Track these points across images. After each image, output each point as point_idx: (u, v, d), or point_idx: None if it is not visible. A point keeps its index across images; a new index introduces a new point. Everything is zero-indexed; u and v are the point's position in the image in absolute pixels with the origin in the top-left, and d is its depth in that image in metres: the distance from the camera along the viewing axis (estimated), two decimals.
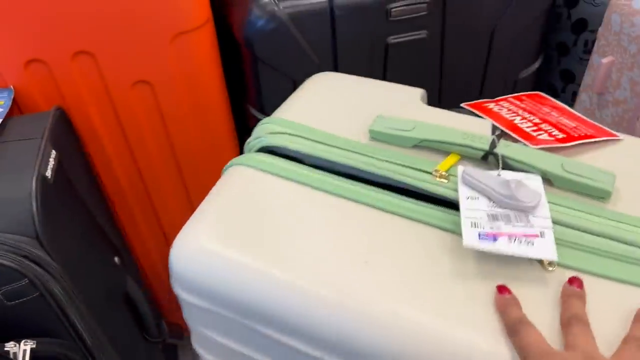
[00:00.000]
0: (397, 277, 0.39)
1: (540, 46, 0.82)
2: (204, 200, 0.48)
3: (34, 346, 0.58)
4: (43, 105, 0.69)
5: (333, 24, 0.68)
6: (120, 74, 0.70)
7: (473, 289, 0.38)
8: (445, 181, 0.45)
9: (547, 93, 0.66)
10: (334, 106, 0.56)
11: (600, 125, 0.51)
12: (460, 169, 0.45)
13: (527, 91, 0.85)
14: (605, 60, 0.70)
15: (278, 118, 0.55)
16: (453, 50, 0.76)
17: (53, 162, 0.59)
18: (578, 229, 0.41)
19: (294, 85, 0.61)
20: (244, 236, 0.44)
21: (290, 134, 0.52)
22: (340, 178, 0.48)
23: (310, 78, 0.62)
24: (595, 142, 0.48)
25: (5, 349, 0.55)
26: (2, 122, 0.61)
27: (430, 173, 0.46)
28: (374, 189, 0.46)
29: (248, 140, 0.54)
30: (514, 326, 0.35)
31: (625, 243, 0.40)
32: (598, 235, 0.41)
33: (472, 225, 0.40)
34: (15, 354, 0.57)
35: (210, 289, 0.44)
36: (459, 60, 0.78)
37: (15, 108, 0.68)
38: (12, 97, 0.65)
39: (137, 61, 0.69)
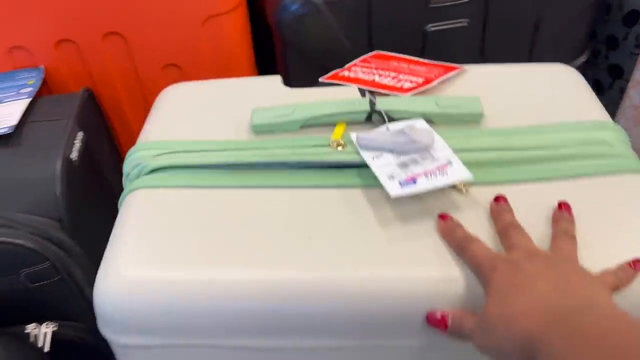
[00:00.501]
0: (342, 241, 0.39)
1: (587, 39, 0.77)
2: (113, 233, 0.43)
3: (55, 329, 0.57)
4: (72, 85, 0.69)
5: (369, 9, 0.66)
6: (150, 56, 0.68)
7: (411, 229, 0.40)
8: (343, 149, 0.45)
9: (593, 89, 0.63)
10: (203, 115, 0.52)
11: (443, 63, 0.55)
12: (353, 135, 0.45)
13: None
14: None
15: (149, 142, 0.49)
16: (495, 40, 0.73)
17: (79, 144, 0.58)
18: (472, 150, 0.44)
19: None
20: (168, 252, 0.40)
21: (170, 152, 0.47)
22: (243, 170, 0.45)
23: (161, 94, 0.56)
24: (448, 77, 0.53)
25: (26, 331, 0.55)
26: (32, 101, 0.61)
27: (328, 145, 0.45)
28: (278, 170, 0.45)
29: (126, 173, 0.48)
30: (462, 244, 0.37)
31: (515, 149, 0.45)
32: (490, 149, 0.45)
33: (389, 178, 0.41)
34: (36, 336, 0.57)
35: (148, 320, 0.39)
36: (501, 52, 0.74)
37: (45, 88, 0.67)
38: (42, 77, 0.65)
39: (168, 44, 0.68)
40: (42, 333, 0.56)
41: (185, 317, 0.38)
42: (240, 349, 0.40)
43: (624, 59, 0.79)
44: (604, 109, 0.50)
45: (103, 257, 0.41)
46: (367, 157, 0.43)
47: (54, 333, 0.57)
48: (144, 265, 0.39)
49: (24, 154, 0.55)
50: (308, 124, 0.48)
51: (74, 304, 0.57)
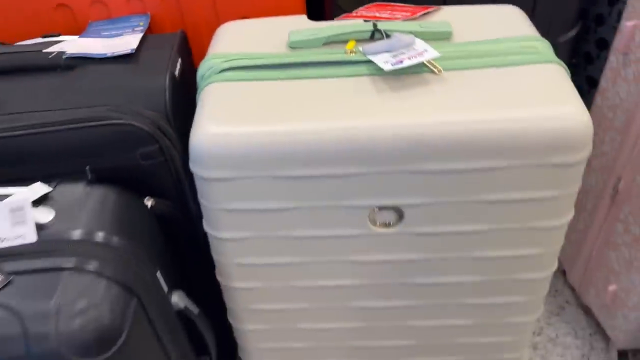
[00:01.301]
0: (363, 101, 0.60)
1: (577, 15, 0.95)
2: (197, 112, 0.64)
3: (154, 204, 0.76)
4: (169, 29, 0.89)
5: None
6: (231, 10, 0.88)
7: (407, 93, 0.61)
8: (354, 54, 0.66)
9: (583, 60, 0.80)
10: (254, 39, 0.72)
11: (423, 6, 0.76)
12: (361, 45, 0.66)
13: (566, 55, 0.99)
14: (629, 24, 0.82)
15: (214, 54, 0.71)
16: None
17: (179, 67, 0.78)
18: (442, 52, 0.65)
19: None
20: (242, 113, 0.61)
21: (234, 59, 0.68)
22: (287, 69, 0.66)
23: (221, 27, 0.78)
24: (427, 13, 0.74)
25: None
26: (143, 36, 0.81)
27: (344, 52, 0.66)
28: (311, 67, 0.66)
29: (200, 75, 0.70)
30: None
31: (469, 51, 0.66)
32: (453, 51, 0.66)
33: (385, 62, 0.61)
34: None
35: (236, 156, 0.59)
36: None
37: (148, 30, 0.88)
38: (149, 21, 0.85)
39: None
40: (145, 205, 0.75)
41: (259, 151, 0.58)
42: (301, 178, 0.60)
43: (608, 32, 0.96)
44: (537, 32, 0.71)
45: (192, 124, 0.62)
46: (370, 55, 0.64)
47: (151, 207, 0.76)
48: (222, 121, 0.60)
49: (142, 69, 0.75)
50: (329, 41, 0.69)
51: (170, 184, 0.76)
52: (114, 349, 0.56)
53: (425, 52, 0.62)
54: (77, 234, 0.60)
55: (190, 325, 0.76)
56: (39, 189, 0.65)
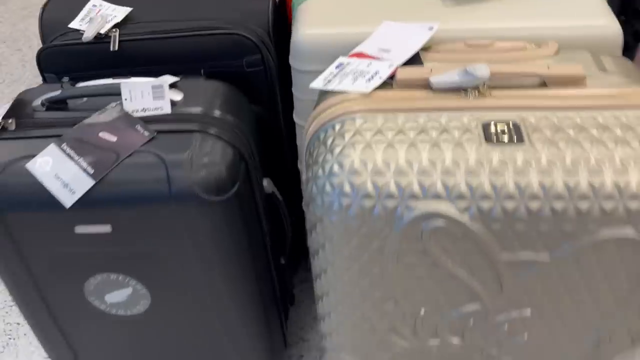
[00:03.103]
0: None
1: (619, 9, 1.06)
2: (297, 20, 0.78)
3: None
4: None
5: None
6: None
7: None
8: None
9: (631, 16, 0.92)
10: None
11: None
12: None
13: (615, 10, 1.09)
14: None
15: None
16: None
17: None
18: None
19: None
20: (339, 16, 0.76)
21: None
22: None
23: None
24: None
25: None
26: None
27: None
28: None
29: None
30: None
31: None
32: None
33: None
34: None
35: (327, 52, 0.72)
36: None
37: None
38: None
39: None
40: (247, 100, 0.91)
41: (345, 48, 0.72)
42: None
43: None
44: None
45: (292, 30, 0.76)
46: None
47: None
48: (316, 24, 0.77)
49: None
50: None
51: (266, 91, 0.91)
52: (231, 193, 0.72)
53: None
54: (199, 110, 0.76)
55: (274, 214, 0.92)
56: (169, 79, 0.81)
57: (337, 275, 0.62)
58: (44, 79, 0.90)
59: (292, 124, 0.90)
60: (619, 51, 0.72)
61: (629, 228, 0.52)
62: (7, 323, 1.22)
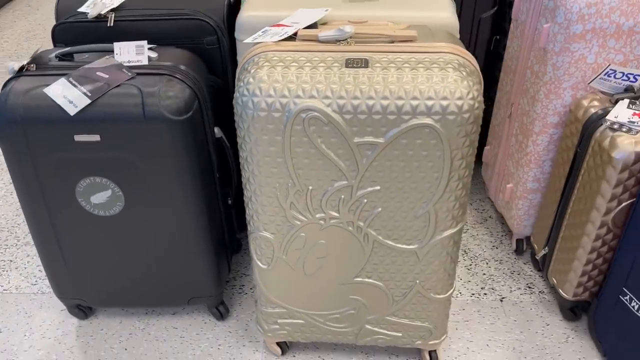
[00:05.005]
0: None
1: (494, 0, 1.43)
2: (242, 8, 1.14)
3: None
4: None
5: None
6: None
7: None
8: None
9: (499, 33, 1.28)
10: None
11: None
12: None
13: (488, 28, 1.47)
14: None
15: None
16: None
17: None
18: None
19: None
20: (266, 6, 1.09)
21: None
22: None
23: None
24: None
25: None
26: None
27: None
28: None
29: None
30: None
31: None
32: None
33: None
34: None
35: (257, 27, 1.06)
36: None
37: None
38: None
39: None
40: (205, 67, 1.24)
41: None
42: None
43: None
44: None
45: (238, 15, 1.10)
46: None
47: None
48: (251, 9, 1.11)
49: None
50: None
51: (220, 64, 1.24)
52: (187, 116, 1.03)
53: None
54: (169, 63, 1.08)
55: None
56: (149, 45, 1.13)
57: (254, 162, 0.93)
58: None
59: None
60: (457, 33, 1.07)
61: (427, 118, 0.85)
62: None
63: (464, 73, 0.86)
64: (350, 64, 0.88)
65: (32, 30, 2.88)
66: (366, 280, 1.06)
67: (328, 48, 0.92)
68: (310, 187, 0.94)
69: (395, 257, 1.01)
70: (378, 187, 0.93)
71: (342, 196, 0.94)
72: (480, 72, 0.92)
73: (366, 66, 0.88)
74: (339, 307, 1.11)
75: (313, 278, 1.06)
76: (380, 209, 0.95)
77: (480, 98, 0.87)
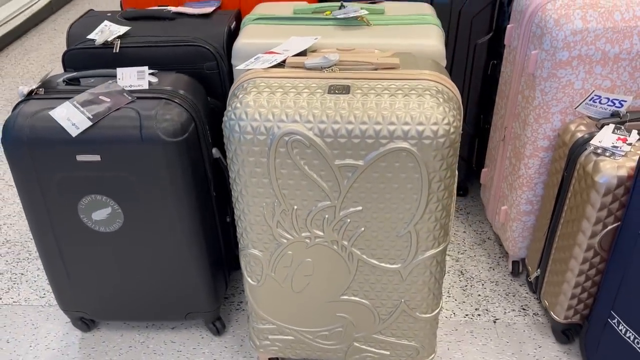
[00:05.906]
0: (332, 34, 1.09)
1: (490, 25, 1.46)
2: (239, 35, 1.21)
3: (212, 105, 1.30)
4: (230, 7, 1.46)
5: None
6: None
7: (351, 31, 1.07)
8: (330, 15, 1.19)
9: (496, 57, 1.32)
10: (273, 9, 1.29)
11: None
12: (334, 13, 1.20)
13: (484, 53, 1.51)
14: (509, 25, 1.34)
15: (251, 14, 1.27)
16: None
17: (234, 25, 1.34)
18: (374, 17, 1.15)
19: None
20: (262, 36, 1.16)
21: (261, 17, 1.24)
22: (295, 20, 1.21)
23: (256, 7, 1.34)
24: (374, 2, 1.20)
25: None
26: (213, 10, 1.38)
27: (323, 14, 1.19)
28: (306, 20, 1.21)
29: (243, 23, 1.27)
30: None
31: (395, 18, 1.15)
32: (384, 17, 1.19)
33: (345, 14, 1.10)
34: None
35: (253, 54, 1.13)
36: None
37: (219, 9, 1.45)
38: (220, 3, 1.42)
39: None
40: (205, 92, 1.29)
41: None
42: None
43: None
44: (434, 13, 1.24)
45: (234, 42, 1.16)
46: (338, 15, 1.17)
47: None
48: (247, 37, 1.17)
49: (213, 23, 1.32)
50: (316, 11, 1.23)
51: (220, 88, 1.29)
52: (182, 138, 1.08)
53: (362, 11, 1.16)
54: (169, 88, 1.14)
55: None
56: (150, 70, 1.20)
57: (242, 182, 0.97)
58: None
59: None
60: (443, 61, 1.11)
61: (404, 142, 0.88)
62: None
63: (441, 99, 0.90)
64: (332, 90, 0.92)
65: (56, 52, 3.00)
66: (352, 298, 1.08)
67: (313, 75, 0.96)
68: (295, 207, 0.98)
69: (379, 275, 1.04)
70: (360, 208, 0.96)
71: (326, 216, 0.98)
72: (459, 99, 0.95)
73: (347, 92, 0.92)
74: (327, 324, 1.13)
75: (301, 295, 1.10)
76: (363, 229, 0.99)
77: (457, 124, 0.90)
